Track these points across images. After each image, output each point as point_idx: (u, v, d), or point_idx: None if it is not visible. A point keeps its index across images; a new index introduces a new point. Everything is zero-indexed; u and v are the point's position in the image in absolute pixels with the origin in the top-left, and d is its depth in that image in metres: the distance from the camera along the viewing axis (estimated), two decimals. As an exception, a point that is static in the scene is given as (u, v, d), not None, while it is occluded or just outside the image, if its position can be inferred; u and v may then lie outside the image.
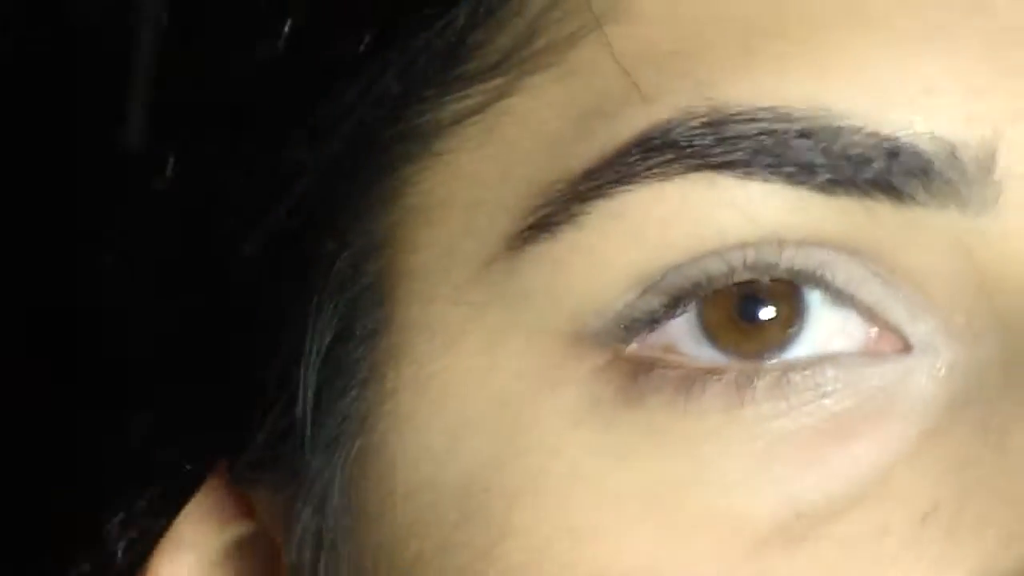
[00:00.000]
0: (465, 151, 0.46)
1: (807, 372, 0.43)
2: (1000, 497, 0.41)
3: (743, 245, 0.43)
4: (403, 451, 0.46)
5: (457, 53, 0.46)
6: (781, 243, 0.43)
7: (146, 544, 0.52)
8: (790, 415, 0.42)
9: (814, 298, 0.43)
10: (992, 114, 0.42)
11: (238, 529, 0.51)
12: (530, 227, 0.44)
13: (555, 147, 0.45)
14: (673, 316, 0.43)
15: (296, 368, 0.49)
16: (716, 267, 0.43)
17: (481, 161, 0.46)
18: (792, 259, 0.43)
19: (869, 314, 0.43)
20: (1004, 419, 0.42)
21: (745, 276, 0.43)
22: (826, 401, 0.42)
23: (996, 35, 0.43)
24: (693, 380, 0.43)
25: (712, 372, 0.43)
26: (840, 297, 0.43)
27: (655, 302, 0.43)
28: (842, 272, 0.43)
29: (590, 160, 0.44)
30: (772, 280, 0.43)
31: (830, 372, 0.43)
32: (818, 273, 0.43)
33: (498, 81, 0.46)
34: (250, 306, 0.51)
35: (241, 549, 0.51)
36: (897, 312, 0.43)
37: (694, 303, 0.43)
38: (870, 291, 0.43)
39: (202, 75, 0.52)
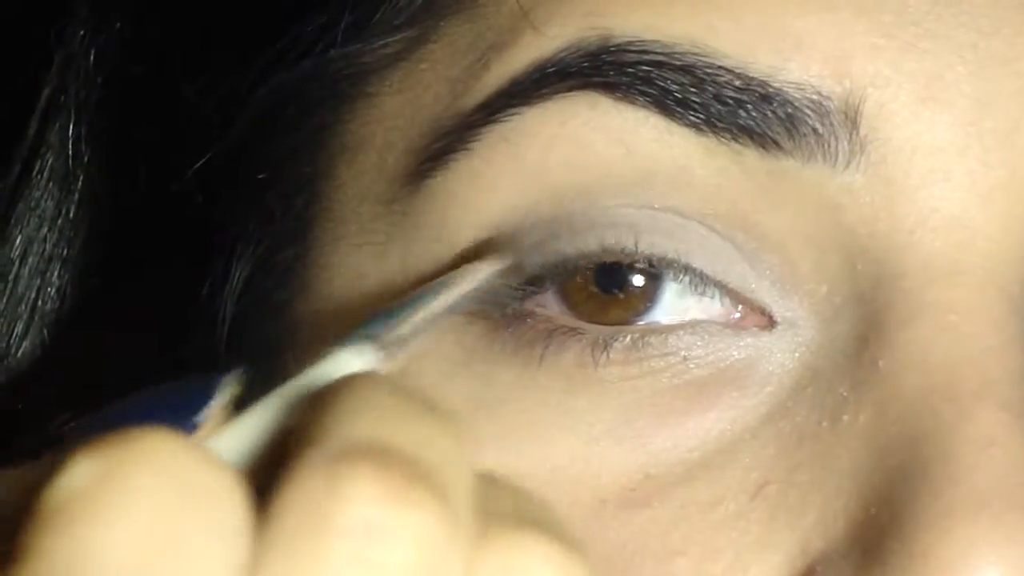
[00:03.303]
0: (388, 95, 0.48)
1: (664, 336, 0.44)
2: (825, 476, 0.42)
3: (616, 181, 0.44)
4: None
5: (381, 2, 0.47)
6: (637, 233, 0.43)
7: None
8: (651, 376, 0.43)
9: (674, 285, 0.44)
10: (858, 73, 0.43)
11: None
12: (426, 160, 0.46)
13: (456, 86, 0.46)
14: (535, 293, 0.44)
15: (220, 294, 0.50)
16: (572, 252, 0.44)
17: (399, 105, 0.47)
18: (651, 245, 0.44)
19: (735, 296, 0.44)
20: (838, 399, 0.43)
21: (606, 259, 0.44)
22: (688, 365, 0.44)
23: None
24: (555, 335, 0.44)
25: (574, 330, 0.44)
26: (706, 281, 0.44)
27: (515, 283, 0.44)
28: (710, 258, 0.44)
29: (485, 92, 0.45)
30: (631, 266, 0.44)
31: (688, 338, 0.44)
32: (681, 261, 0.44)
33: (418, 27, 0.47)
34: (189, 225, 0.53)
35: None
36: (762, 292, 0.44)
37: (554, 282, 0.44)
38: (736, 273, 0.44)
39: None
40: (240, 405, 0.37)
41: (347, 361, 0.38)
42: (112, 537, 0.30)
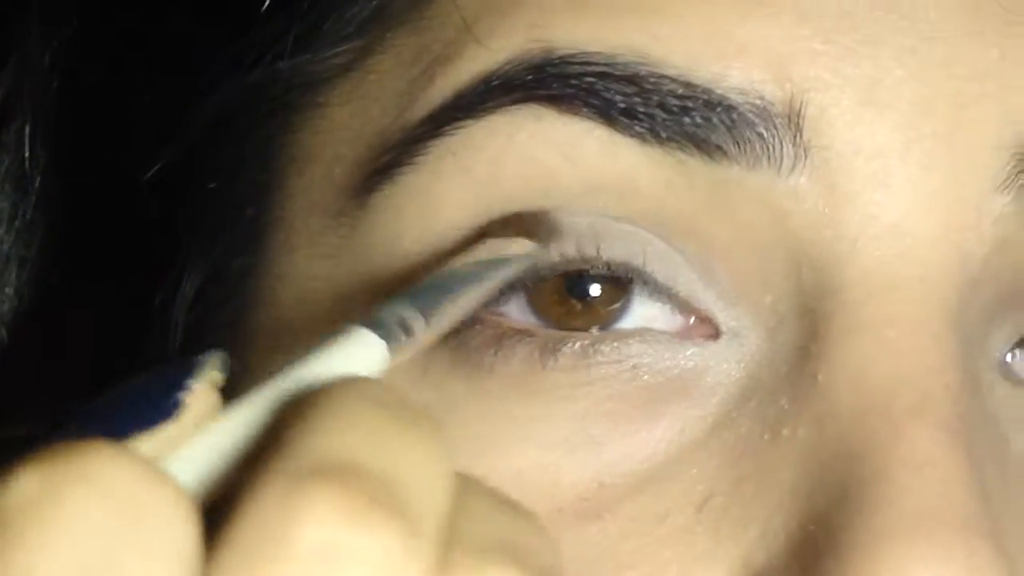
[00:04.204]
0: (337, 105, 0.48)
1: (615, 344, 0.44)
2: (766, 490, 0.42)
3: (565, 193, 0.44)
4: None
5: (329, 12, 0.47)
6: (598, 236, 0.44)
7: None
8: (602, 383, 0.44)
9: (640, 294, 0.44)
10: (799, 77, 0.43)
11: None
12: (373, 173, 0.46)
13: (403, 98, 0.46)
14: (501, 304, 0.44)
15: (173, 303, 0.51)
16: (540, 261, 0.44)
17: (347, 116, 0.47)
18: (611, 249, 0.44)
19: (684, 305, 0.44)
20: (779, 411, 0.43)
21: (570, 268, 0.44)
22: (637, 372, 0.44)
23: (809, 3, 0.44)
24: (504, 340, 0.44)
25: (523, 332, 0.44)
26: (658, 289, 0.44)
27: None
28: (661, 266, 0.44)
29: (430, 105, 0.45)
30: (595, 273, 0.44)
31: (637, 346, 0.44)
32: (646, 269, 0.44)
33: (365, 38, 0.47)
34: (142, 231, 0.53)
35: None
36: (709, 301, 0.44)
37: (521, 291, 0.44)
38: (686, 282, 0.44)
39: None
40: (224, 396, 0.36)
41: (357, 346, 0.37)
42: (41, 559, 0.30)
